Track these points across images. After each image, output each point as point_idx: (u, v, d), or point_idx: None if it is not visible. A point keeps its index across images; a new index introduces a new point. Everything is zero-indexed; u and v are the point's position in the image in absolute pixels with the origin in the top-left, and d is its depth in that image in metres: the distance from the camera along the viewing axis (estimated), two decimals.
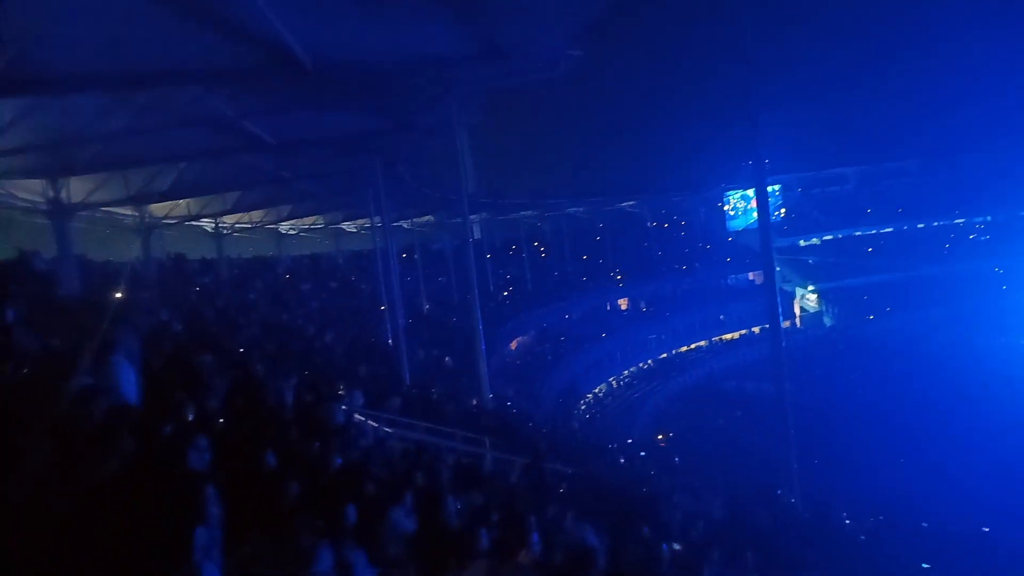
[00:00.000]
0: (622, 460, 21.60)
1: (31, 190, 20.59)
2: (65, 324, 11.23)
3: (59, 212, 20.01)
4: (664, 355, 57.76)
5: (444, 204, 38.69)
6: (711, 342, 60.92)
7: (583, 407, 44.52)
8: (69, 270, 19.55)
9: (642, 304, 61.30)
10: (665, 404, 48.90)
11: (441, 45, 14.20)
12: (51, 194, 19.82)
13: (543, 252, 63.27)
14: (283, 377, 10.98)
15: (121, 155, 18.82)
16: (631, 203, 63.55)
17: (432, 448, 12.06)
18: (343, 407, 11.23)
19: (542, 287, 54.01)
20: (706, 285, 64.27)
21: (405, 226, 45.88)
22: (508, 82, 18.72)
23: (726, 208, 71.88)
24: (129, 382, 6.41)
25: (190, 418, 7.18)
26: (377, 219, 30.29)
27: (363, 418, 12.83)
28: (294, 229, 42.26)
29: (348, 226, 44.97)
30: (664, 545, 9.43)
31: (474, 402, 21.38)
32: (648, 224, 66.32)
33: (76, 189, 20.45)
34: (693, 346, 60.15)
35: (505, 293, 50.55)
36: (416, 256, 44.58)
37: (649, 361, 56.34)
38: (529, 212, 56.72)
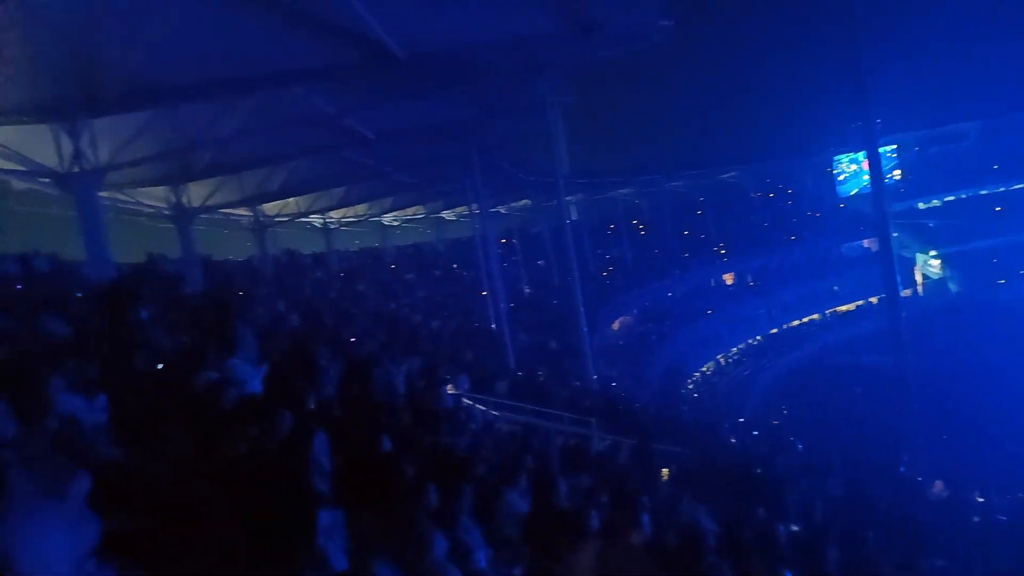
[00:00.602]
0: (733, 440, 21.06)
1: (156, 197, 22.14)
2: (192, 321, 12.04)
3: (181, 216, 21.43)
4: (774, 330, 55.66)
5: (540, 187, 38.72)
6: (824, 315, 58.15)
7: (690, 386, 43.61)
8: (193, 270, 20.93)
9: (749, 278, 59.22)
10: (777, 381, 47.16)
11: (529, 25, 14.17)
12: (173, 199, 21.23)
13: (642, 230, 62.19)
14: (394, 364, 11.32)
15: (234, 159, 19.92)
16: (732, 174, 61.41)
17: (540, 430, 12.16)
18: (452, 391, 11.49)
19: (643, 265, 53.14)
20: (817, 255, 61.25)
21: (503, 211, 46.25)
22: (599, 57, 18.47)
23: (836, 173, 68.10)
24: (251, 376, 6.77)
25: (311, 407, 7.54)
26: (475, 206, 30.67)
27: (471, 402, 13.09)
28: (397, 220, 43.46)
29: (448, 214, 45.82)
30: (781, 527, 9.13)
31: (579, 384, 21.38)
32: (752, 194, 63.85)
33: (195, 194, 21.83)
34: (805, 320, 57.61)
35: (605, 273, 50.07)
36: (515, 241, 44.89)
37: (758, 337, 54.44)
38: (626, 190, 55.83)
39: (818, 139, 64.28)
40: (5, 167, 16.07)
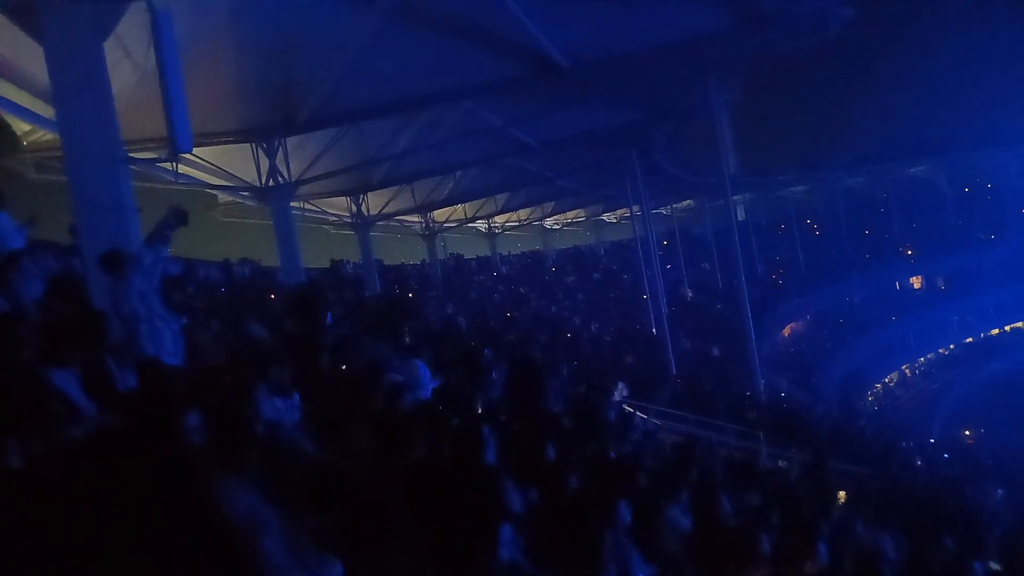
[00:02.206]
0: (919, 461, 19.28)
1: (338, 207, 23.96)
2: (371, 322, 12.93)
3: (360, 224, 23.04)
4: (969, 339, 50.32)
5: (704, 187, 37.58)
6: None
7: (870, 399, 40.46)
8: (370, 273, 22.45)
9: (940, 281, 53.87)
10: (972, 395, 42.51)
11: (697, 23, 13.85)
12: (354, 209, 22.88)
13: (816, 230, 58.46)
14: (555, 368, 11.49)
15: (408, 170, 21.16)
16: (921, 168, 56.13)
17: (703, 442, 11.85)
18: (613, 398, 11.48)
19: (817, 267, 49.96)
20: (1021, 256, 54.50)
21: (664, 212, 45.41)
22: (772, 51, 17.66)
23: None
24: (426, 379, 7.19)
25: (479, 411, 7.88)
26: (636, 208, 30.37)
27: (632, 409, 13.01)
28: (558, 224, 43.98)
29: (608, 217, 45.72)
30: (977, 564, 8.27)
31: (745, 394, 20.53)
32: (944, 190, 58.00)
33: (373, 203, 23.40)
34: (1008, 328, 51.51)
35: (775, 276, 47.62)
36: (677, 242, 43.89)
37: (951, 346, 49.45)
38: (798, 188, 52.82)
39: None
40: (213, 183, 18.12)
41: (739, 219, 43.94)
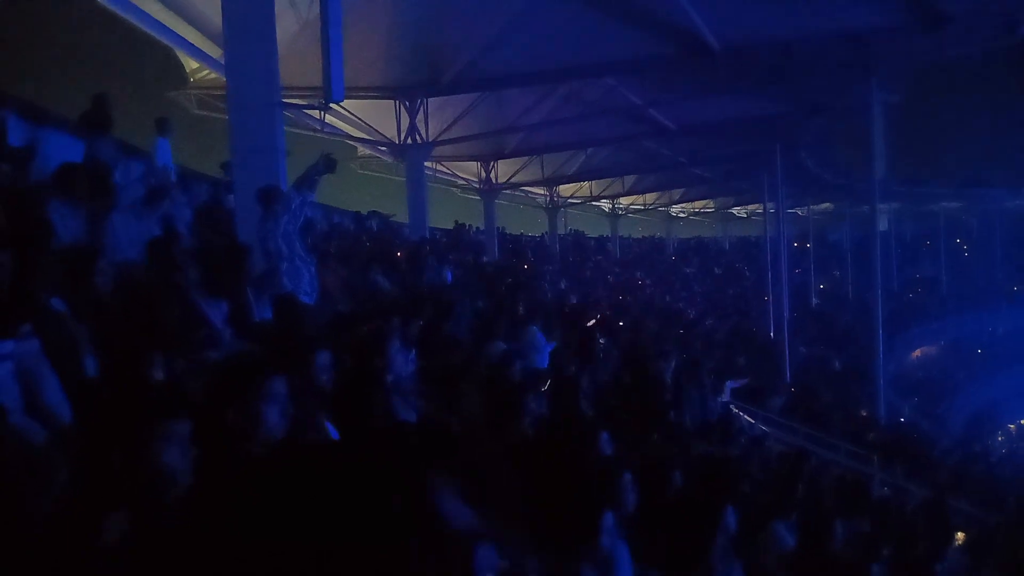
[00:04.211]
0: None
1: (468, 171, 24.32)
2: (489, 288, 13.10)
3: (488, 191, 23.30)
4: None
5: (847, 191, 35.41)
6: None
7: (1001, 439, 37.25)
8: (491, 240, 22.71)
9: None
10: None
11: (865, 16, 12.90)
12: (483, 175, 23.15)
13: (965, 250, 53.98)
14: (664, 359, 11.22)
15: (540, 142, 21.12)
16: None
17: (814, 457, 11.27)
18: (723, 399, 11.13)
19: (961, 291, 46.25)
20: None
21: (800, 213, 43.26)
22: (946, 54, 16.28)
23: None
24: (541, 350, 7.18)
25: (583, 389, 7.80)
26: (771, 205, 29.03)
27: (740, 412, 12.57)
28: (684, 212, 42.86)
29: (738, 211, 44.11)
30: None
31: (863, 413, 19.36)
32: None
33: (502, 171, 23.58)
34: None
35: (911, 294, 44.45)
36: (808, 246, 41.72)
37: None
38: (952, 203, 48.82)
39: None
40: (355, 135, 18.80)
41: (881, 229, 41.21)
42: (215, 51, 12.79)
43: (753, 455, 9.58)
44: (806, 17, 12.83)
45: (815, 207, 43.86)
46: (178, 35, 12.98)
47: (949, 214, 51.41)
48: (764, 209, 31.55)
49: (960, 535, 10.87)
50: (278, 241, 5.29)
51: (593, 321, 12.47)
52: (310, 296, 5.57)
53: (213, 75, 14.53)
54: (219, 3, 7.76)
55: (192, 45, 13.40)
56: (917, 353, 39.64)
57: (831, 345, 28.35)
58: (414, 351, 5.30)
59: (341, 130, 18.41)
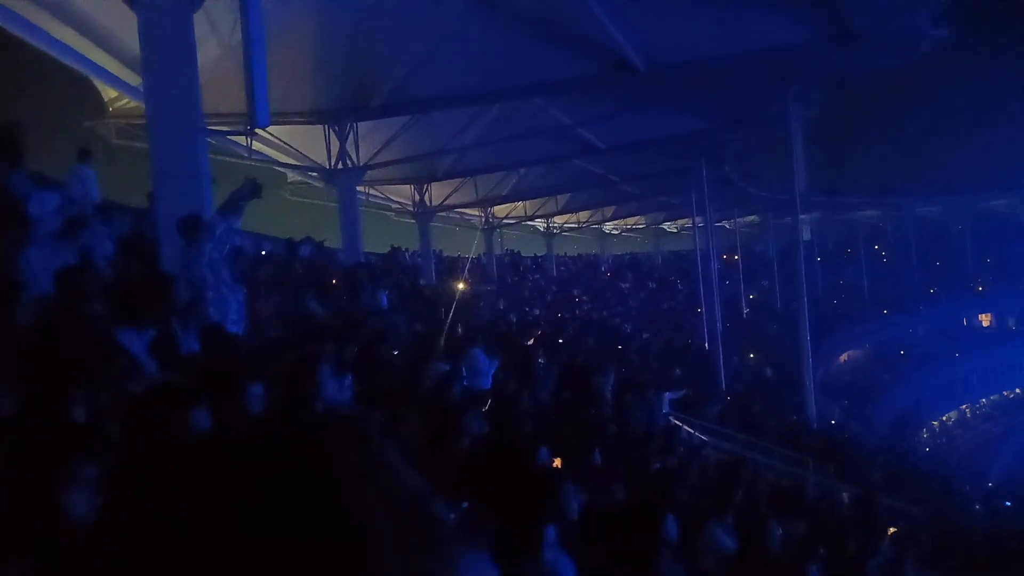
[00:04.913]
0: (977, 506, 18.42)
1: (402, 195, 24.21)
2: (425, 311, 13.02)
3: (422, 213, 23.23)
4: None
5: (771, 204, 36.70)
6: None
7: (925, 436, 38.95)
8: (427, 263, 22.62)
9: (1011, 321, 51.52)
10: None
11: (783, 33, 13.49)
12: (417, 198, 23.07)
13: (884, 256, 56.52)
14: (603, 374, 11.35)
15: (473, 163, 21.22)
16: (1002, 202, 53.74)
17: (750, 463, 11.54)
18: (661, 410, 11.30)
19: (881, 296, 48.34)
20: None
21: (727, 226, 44.56)
22: (857, 68, 17.10)
23: None
24: (485, 372, 7.16)
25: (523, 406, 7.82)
26: (699, 219, 29.84)
27: (678, 423, 12.77)
28: (617, 229, 43.60)
29: (669, 226, 45.08)
30: None
31: (795, 418, 19.96)
32: None
33: (436, 193, 23.56)
34: None
35: (836, 301, 46.21)
36: (737, 258, 42.97)
37: (1017, 390, 47.17)
38: (870, 212, 51.12)
39: None
40: (284, 161, 18.51)
41: (805, 239, 42.82)
42: (134, 79, 12.43)
43: (692, 464, 9.75)
44: (726, 35, 13.32)
45: (742, 220, 45.23)
46: (94, 63, 12.58)
47: (868, 222, 53.73)
48: (693, 223, 32.40)
49: (892, 529, 11.27)
50: (203, 269, 5.14)
51: (532, 339, 12.50)
52: (238, 325, 5.43)
53: (132, 103, 14.10)
54: (136, 29, 7.56)
55: (109, 73, 12.99)
56: (844, 357, 41.15)
57: (762, 353, 29.15)
58: (350, 376, 5.21)
59: (270, 156, 18.10)
